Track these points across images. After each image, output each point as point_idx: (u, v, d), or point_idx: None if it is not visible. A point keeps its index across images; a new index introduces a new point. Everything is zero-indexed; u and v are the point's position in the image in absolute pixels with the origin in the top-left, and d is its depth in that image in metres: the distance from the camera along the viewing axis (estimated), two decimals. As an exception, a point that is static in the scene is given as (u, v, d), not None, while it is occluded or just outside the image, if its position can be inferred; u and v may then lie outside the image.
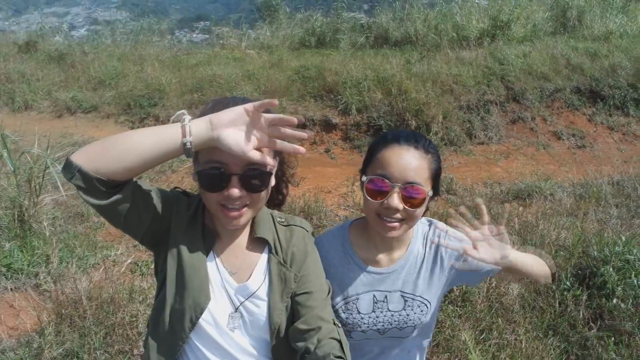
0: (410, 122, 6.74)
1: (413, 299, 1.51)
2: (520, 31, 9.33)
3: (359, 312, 1.50)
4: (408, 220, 1.38)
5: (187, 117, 1.09)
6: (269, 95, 7.25)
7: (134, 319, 3.06)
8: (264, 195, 1.27)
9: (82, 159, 1.04)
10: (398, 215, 1.35)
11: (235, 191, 1.17)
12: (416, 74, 7.45)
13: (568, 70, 7.96)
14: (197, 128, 1.09)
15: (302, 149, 1.19)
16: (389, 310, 1.50)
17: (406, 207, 1.33)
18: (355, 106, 6.97)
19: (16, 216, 4.05)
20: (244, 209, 1.22)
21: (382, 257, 1.51)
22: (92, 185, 1.05)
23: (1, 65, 8.58)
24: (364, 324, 1.50)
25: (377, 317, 1.50)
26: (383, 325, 1.51)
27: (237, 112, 1.12)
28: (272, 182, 1.29)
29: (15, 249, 3.83)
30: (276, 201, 1.48)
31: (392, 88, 7.07)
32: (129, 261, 3.84)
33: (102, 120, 7.34)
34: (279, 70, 7.97)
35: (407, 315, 1.51)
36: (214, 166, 1.17)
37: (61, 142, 6.01)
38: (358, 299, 1.50)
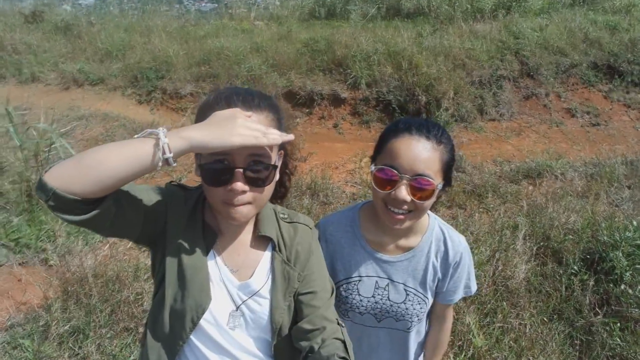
0: (420, 97, 6.62)
1: (415, 294, 1.50)
2: (537, 3, 9.05)
3: (359, 294, 1.50)
4: (415, 212, 1.35)
5: (160, 132, 1.03)
6: (277, 69, 7.15)
7: (139, 296, 3.08)
8: (268, 190, 1.23)
9: (57, 181, 0.98)
10: (405, 207, 1.32)
11: (239, 185, 1.13)
12: (428, 48, 7.28)
13: (585, 44, 7.71)
14: (175, 144, 1.03)
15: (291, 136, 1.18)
16: (389, 299, 1.50)
17: (414, 199, 1.30)
18: (364, 80, 6.86)
19: (23, 191, 4.07)
20: (248, 205, 1.18)
21: (389, 243, 1.50)
22: (69, 205, 1.00)
23: (8, 36, 8.51)
24: (362, 306, 1.51)
25: (377, 302, 1.50)
26: (380, 312, 1.51)
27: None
28: (276, 177, 1.25)
29: (23, 223, 3.86)
30: (278, 194, 1.43)
31: (403, 62, 6.92)
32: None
33: (109, 92, 7.30)
34: (287, 42, 7.82)
35: (406, 308, 1.50)
36: (217, 159, 1.13)
37: (68, 116, 6.01)
38: (360, 280, 1.50)
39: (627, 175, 5.09)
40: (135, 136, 1.06)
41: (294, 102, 6.87)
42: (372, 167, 1.36)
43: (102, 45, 8.30)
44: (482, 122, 6.85)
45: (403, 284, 1.49)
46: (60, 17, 9.66)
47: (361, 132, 6.67)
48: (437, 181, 1.31)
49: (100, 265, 3.26)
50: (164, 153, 1.01)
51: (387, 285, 1.49)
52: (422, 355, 1.69)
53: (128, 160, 1.01)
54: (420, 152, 1.29)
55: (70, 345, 2.77)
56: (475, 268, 3.21)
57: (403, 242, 1.49)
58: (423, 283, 1.50)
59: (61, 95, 7.25)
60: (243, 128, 1.07)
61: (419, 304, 1.50)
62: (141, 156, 1.02)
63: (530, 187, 4.97)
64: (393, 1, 9.98)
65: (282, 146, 1.28)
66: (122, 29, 8.97)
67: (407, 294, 1.49)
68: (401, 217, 1.34)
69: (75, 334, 2.83)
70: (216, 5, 14.22)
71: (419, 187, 1.29)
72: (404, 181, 1.29)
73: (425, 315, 1.57)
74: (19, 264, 3.49)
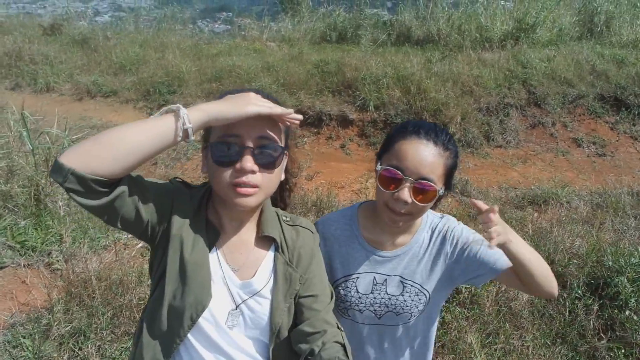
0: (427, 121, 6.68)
1: (412, 286, 1.51)
2: (545, 35, 9.18)
3: (358, 291, 1.51)
4: (415, 213, 1.39)
5: (179, 106, 1.07)
6: (288, 89, 7.25)
7: (142, 301, 3.08)
8: (276, 176, 1.24)
9: (75, 160, 0.98)
10: (404, 210, 1.35)
11: (249, 162, 1.13)
12: (436, 74, 7.38)
13: (592, 76, 7.79)
14: (194, 116, 1.08)
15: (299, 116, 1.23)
16: (387, 293, 1.51)
17: (415, 201, 1.33)
18: (373, 103, 6.93)
19: (32, 195, 4.12)
20: (255, 189, 1.17)
21: (386, 240, 1.52)
22: (87, 186, 1.00)
23: (26, 46, 8.71)
24: (362, 303, 1.52)
25: (375, 298, 1.52)
26: (380, 307, 1.52)
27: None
28: (285, 163, 1.28)
29: (30, 226, 3.89)
30: (279, 206, 1.46)
31: (412, 86, 7.01)
32: (139, 245, 3.87)
33: (121, 105, 7.42)
34: (298, 63, 7.95)
35: (404, 300, 1.51)
36: (227, 140, 1.15)
37: (80, 125, 6.09)
38: (358, 278, 1.51)
39: (633, 206, 5.08)
40: (152, 116, 1.08)
41: (302, 122, 6.94)
42: (378, 167, 1.40)
43: (116, 59, 8.48)
44: (489, 148, 6.89)
45: (400, 276, 1.51)
46: (78, 30, 9.89)
47: (368, 154, 6.70)
48: (439, 186, 1.35)
49: (104, 269, 3.27)
50: (184, 124, 1.04)
51: (385, 280, 1.51)
52: (430, 355, 1.68)
53: (149, 134, 1.03)
54: (426, 157, 1.33)
55: (71, 346, 2.77)
56: (478, 288, 3.22)
57: (401, 239, 1.52)
58: (419, 273, 1.51)
59: (74, 105, 7.38)
60: (257, 100, 1.13)
61: (417, 295, 1.51)
62: (161, 129, 1.04)
63: (536, 214, 4.96)
64: (403, 28, 10.16)
65: (286, 148, 1.30)
66: (137, 44, 9.16)
67: (404, 286, 1.51)
68: (401, 218, 1.38)
69: (76, 336, 2.83)
70: (229, 27, 14.49)
71: (422, 190, 1.33)
72: (408, 183, 1.33)
73: (424, 310, 1.55)
74: (24, 266, 3.50)
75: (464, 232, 1.52)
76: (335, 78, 7.42)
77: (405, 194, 1.32)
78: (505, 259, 1.44)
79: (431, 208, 1.45)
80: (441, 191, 1.36)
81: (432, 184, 1.32)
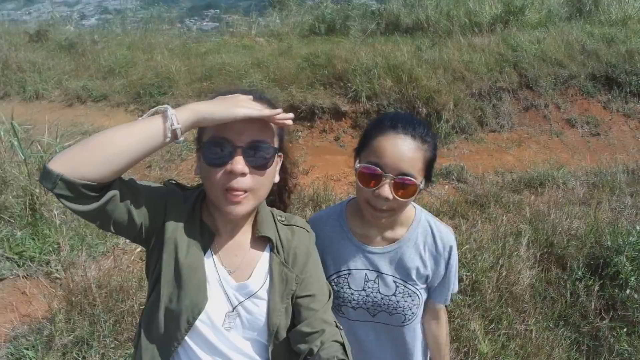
0: (420, 109, 6.67)
1: (405, 286, 1.51)
2: (534, 17, 9.15)
3: (350, 287, 1.52)
4: (397, 209, 1.39)
5: (167, 107, 1.07)
6: (279, 84, 7.22)
7: (143, 306, 3.07)
8: (268, 178, 1.23)
9: (64, 166, 0.97)
10: (385, 206, 1.35)
11: (239, 165, 1.12)
12: (427, 61, 7.35)
13: (583, 56, 7.78)
14: (183, 115, 1.07)
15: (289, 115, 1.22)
16: (379, 292, 1.51)
17: (397, 197, 1.33)
18: (365, 94, 6.90)
19: (27, 204, 4.09)
20: (246, 194, 1.17)
21: (375, 235, 1.52)
22: (77, 191, 0.99)
23: (12, 54, 8.59)
24: (354, 300, 1.52)
25: (367, 295, 1.52)
26: (373, 305, 1.52)
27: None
28: (278, 164, 1.26)
29: (27, 237, 3.86)
30: (280, 207, 1.46)
31: (403, 75, 6.98)
32: (138, 250, 3.86)
33: (112, 109, 7.36)
34: (288, 57, 7.90)
35: (397, 301, 1.51)
36: (219, 141, 1.14)
37: (71, 131, 6.05)
38: (350, 273, 1.52)
39: (629, 184, 5.10)
40: (140, 118, 1.07)
41: (295, 116, 6.91)
42: (357, 165, 1.39)
43: (105, 62, 8.39)
44: (483, 133, 6.88)
45: (392, 276, 1.51)
46: (64, 35, 9.77)
47: (362, 145, 6.69)
48: (419, 180, 1.34)
49: (104, 276, 3.26)
50: (172, 124, 1.03)
51: (377, 278, 1.51)
52: (427, 354, 1.68)
53: (137, 137, 1.02)
54: (405, 152, 1.32)
55: (75, 355, 2.76)
56: (479, 274, 3.24)
57: (389, 233, 1.52)
58: (410, 275, 1.51)
59: (64, 111, 7.31)
60: (246, 102, 1.13)
61: (410, 296, 1.51)
62: (150, 131, 1.03)
63: (532, 197, 4.97)
64: (392, 17, 10.10)
65: (282, 149, 1.29)
66: (124, 47, 9.08)
67: (397, 286, 1.51)
68: (383, 214, 1.38)
69: (79, 344, 2.82)
70: (217, 24, 14.42)
71: (402, 185, 1.32)
72: (388, 179, 1.32)
73: (420, 310, 1.57)
74: (23, 277, 3.48)
75: (455, 265, 1.56)
76: (326, 71, 7.38)
77: (386, 190, 1.31)
78: (444, 302, 1.61)
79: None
80: (421, 185, 1.36)
81: (412, 179, 1.32)
